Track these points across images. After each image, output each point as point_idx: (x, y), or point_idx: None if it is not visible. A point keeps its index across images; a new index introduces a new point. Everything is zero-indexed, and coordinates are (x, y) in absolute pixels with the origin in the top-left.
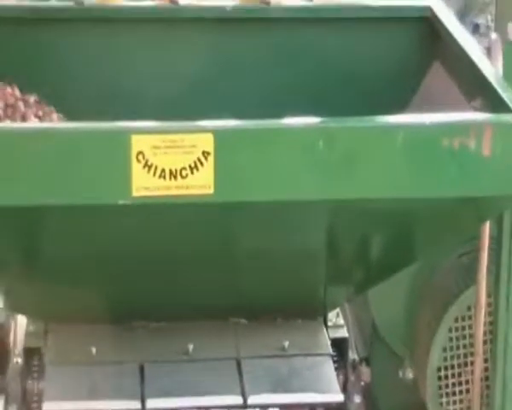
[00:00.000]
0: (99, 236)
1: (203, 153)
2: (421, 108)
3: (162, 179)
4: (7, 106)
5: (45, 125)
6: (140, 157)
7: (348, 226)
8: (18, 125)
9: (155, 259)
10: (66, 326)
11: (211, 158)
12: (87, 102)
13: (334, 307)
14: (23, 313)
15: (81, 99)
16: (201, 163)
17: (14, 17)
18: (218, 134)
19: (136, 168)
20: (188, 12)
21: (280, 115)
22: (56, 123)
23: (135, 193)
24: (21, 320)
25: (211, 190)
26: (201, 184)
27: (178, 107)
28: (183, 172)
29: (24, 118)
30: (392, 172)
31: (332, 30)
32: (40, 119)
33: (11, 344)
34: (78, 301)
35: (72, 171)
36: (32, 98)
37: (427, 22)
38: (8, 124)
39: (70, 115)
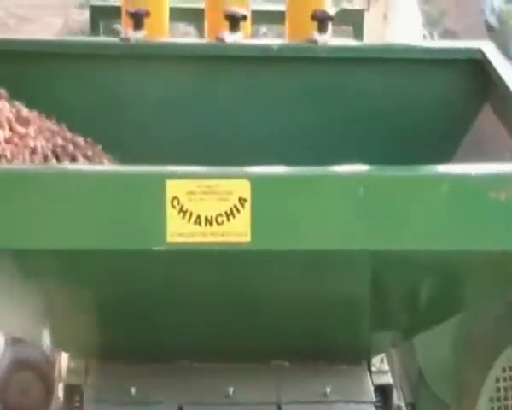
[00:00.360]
0: (135, 279)
1: (240, 199)
2: (470, 153)
3: (197, 226)
4: (56, 146)
5: (78, 167)
6: (175, 202)
7: (391, 276)
8: (49, 166)
9: (193, 302)
10: (106, 364)
11: (247, 205)
12: (133, 140)
13: (378, 353)
14: (65, 349)
15: (127, 137)
16: (238, 210)
17: (58, 53)
18: (256, 181)
19: (171, 214)
20: (234, 50)
21: (322, 158)
22: (89, 165)
23: (169, 239)
24: (65, 356)
25: (247, 238)
26: (238, 231)
27: (221, 143)
28: (219, 219)
29: (74, 159)
30: (435, 224)
31: (380, 71)
32: (89, 159)
33: (56, 380)
34: (118, 340)
35: (105, 214)
36: (80, 139)
37: (478, 65)
38: (41, 165)
39: (118, 154)
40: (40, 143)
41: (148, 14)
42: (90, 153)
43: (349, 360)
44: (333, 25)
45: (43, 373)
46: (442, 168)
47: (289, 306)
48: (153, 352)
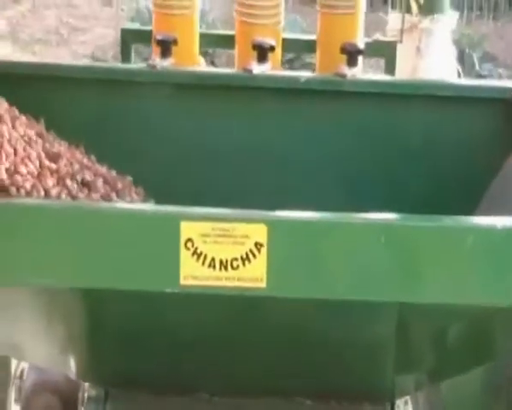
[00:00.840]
0: (151, 316)
1: (256, 244)
2: (499, 196)
3: (212, 269)
4: (84, 180)
5: (90, 205)
6: (189, 245)
7: (415, 323)
8: (61, 202)
9: (211, 339)
10: (126, 394)
11: (264, 250)
12: (157, 171)
13: (403, 395)
14: (85, 379)
15: (151, 167)
16: (254, 255)
17: (81, 78)
18: (273, 225)
19: (185, 256)
20: (261, 81)
21: (347, 193)
22: (102, 203)
23: (183, 282)
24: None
25: (263, 284)
26: (253, 276)
27: (246, 172)
28: (234, 263)
29: (104, 193)
30: (459, 278)
31: (409, 108)
32: (118, 193)
33: (79, 405)
34: (138, 371)
35: (118, 254)
36: (110, 171)
37: (510, 104)
38: (53, 201)
39: (141, 183)
40: (68, 178)
41: (175, 41)
42: (119, 185)
43: (372, 400)
44: (365, 56)
45: (65, 397)
46: (467, 220)
47: (311, 347)
48: (172, 384)
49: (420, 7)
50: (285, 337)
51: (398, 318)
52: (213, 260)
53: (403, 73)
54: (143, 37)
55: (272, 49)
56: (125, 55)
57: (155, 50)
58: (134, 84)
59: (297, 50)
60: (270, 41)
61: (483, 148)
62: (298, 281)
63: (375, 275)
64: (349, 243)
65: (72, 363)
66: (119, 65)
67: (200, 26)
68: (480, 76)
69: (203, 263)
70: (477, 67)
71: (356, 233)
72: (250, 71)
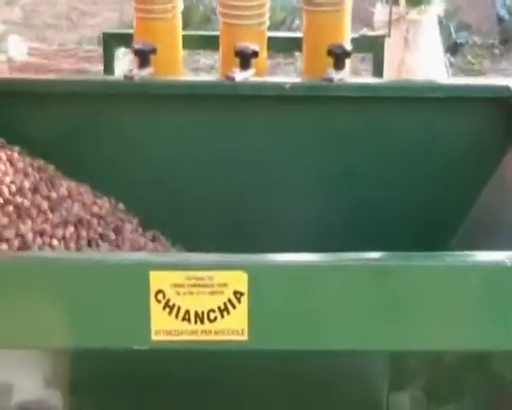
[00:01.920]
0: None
1: (235, 293)
2: (494, 198)
3: (186, 322)
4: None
5: (52, 255)
6: (160, 296)
7: (409, 377)
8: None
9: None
10: None
11: (244, 299)
12: (142, 185)
13: None
14: None
15: (135, 184)
16: (233, 305)
17: (55, 93)
18: (254, 272)
19: (156, 309)
20: (244, 89)
21: (337, 203)
22: (64, 252)
23: (154, 337)
24: None
25: (244, 337)
26: (233, 328)
27: (231, 185)
28: (212, 315)
29: (122, 243)
30: (461, 321)
31: (399, 111)
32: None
33: None
34: None
35: (80, 310)
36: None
37: (506, 103)
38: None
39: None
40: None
41: (154, 50)
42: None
43: None
44: (353, 52)
45: None
46: (470, 256)
47: (295, 399)
48: None
49: None
50: (264, 396)
51: (387, 372)
52: (188, 312)
53: (391, 67)
54: (126, 41)
55: (255, 54)
56: (108, 61)
57: (134, 59)
58: (111, 96)
59: (284, 49)
60: (252, 46)
61: (479, 147)
62: (281, 332)
63: (369, 324)
64: (340, 288)
65: None
66: (96, 77)
67: None
68: (456, 43)
69: (176, 316)
70: (454, 35)
71: (347, 278)
72: (232, 78)
